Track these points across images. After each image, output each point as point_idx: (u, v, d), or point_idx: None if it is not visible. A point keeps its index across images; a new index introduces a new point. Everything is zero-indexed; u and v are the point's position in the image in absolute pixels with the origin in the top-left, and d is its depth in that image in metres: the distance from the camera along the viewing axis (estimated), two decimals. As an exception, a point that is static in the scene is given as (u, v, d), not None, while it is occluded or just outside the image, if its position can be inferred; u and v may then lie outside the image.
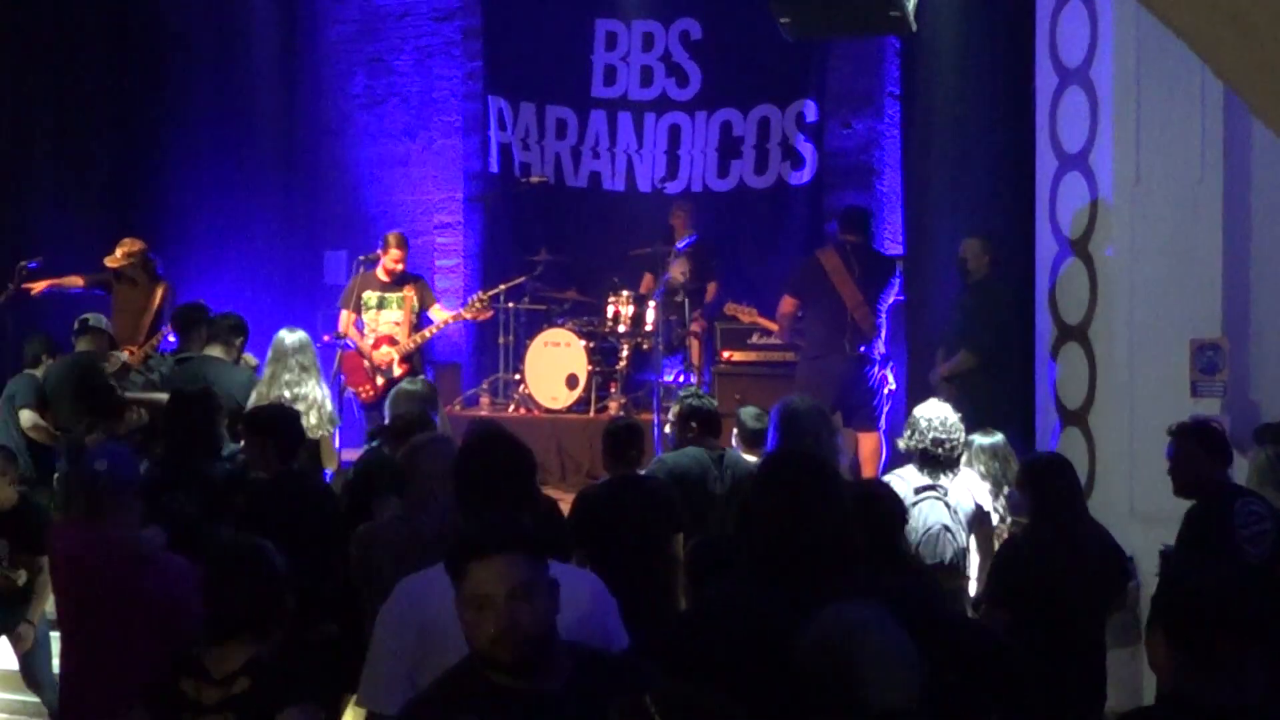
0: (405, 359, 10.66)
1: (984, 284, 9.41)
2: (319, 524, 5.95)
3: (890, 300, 10.38)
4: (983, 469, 6.83)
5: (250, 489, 6.30)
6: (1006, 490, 6.75)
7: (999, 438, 7.10)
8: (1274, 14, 1.40)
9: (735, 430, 7.49)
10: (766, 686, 3.34)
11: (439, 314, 10.94)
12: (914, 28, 8.76)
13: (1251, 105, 1.64)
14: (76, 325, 9.52)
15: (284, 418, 6.56)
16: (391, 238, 10.91)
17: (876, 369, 10.21)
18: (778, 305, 10.53)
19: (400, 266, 10.83)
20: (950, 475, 6.49)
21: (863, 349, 10.07)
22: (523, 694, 3.11)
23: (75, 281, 11.02)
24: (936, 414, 6.62)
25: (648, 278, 12.39)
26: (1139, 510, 7.70)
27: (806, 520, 3.60)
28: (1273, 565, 5.71)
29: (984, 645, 3.69)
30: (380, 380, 10.52)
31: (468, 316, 11.10)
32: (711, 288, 12.24)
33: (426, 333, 10.85)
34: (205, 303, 9.36)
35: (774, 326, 11.09)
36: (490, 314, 11.33)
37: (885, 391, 10.33)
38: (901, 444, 6.80)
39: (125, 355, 9.98)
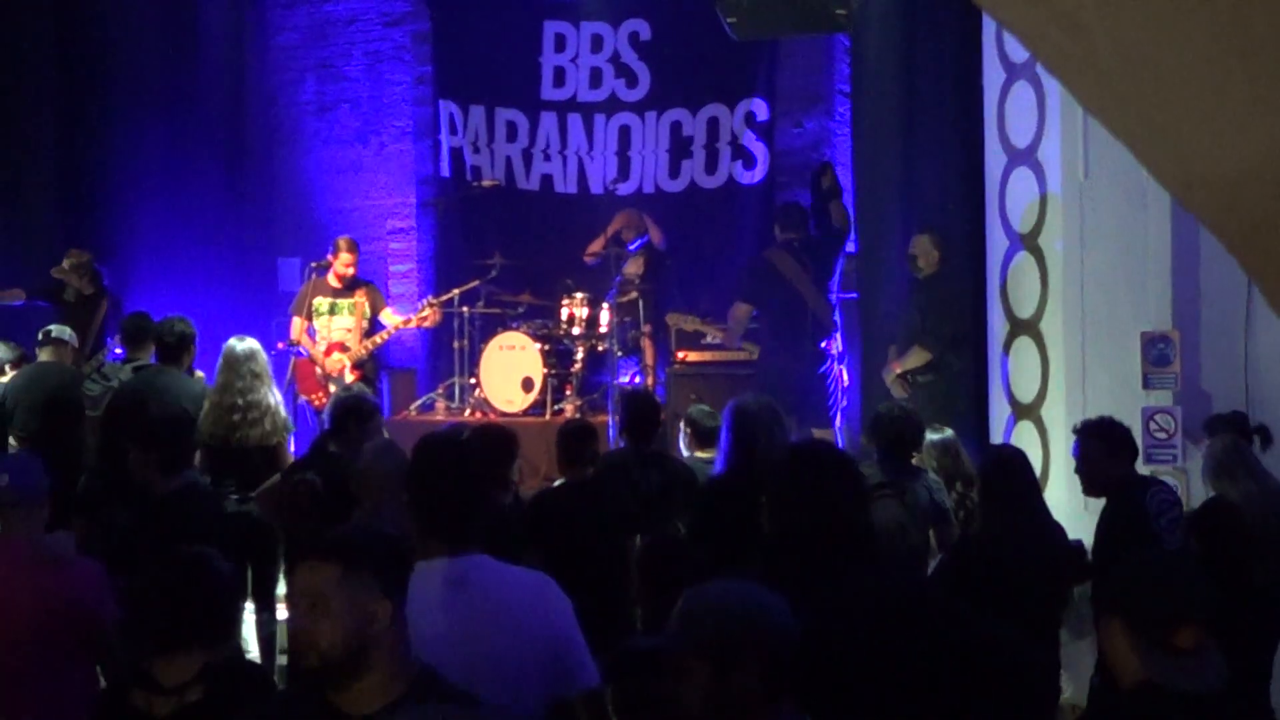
0: (357, 365, 10.63)
1: (935, 279, 9.43)
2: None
3: (838, 273, 10.40)
4: (934, 464, 6.86)
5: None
6: (960, 485, 6.78)
7: (948, 433, 7.13)
8: (1099, 11, 1.38)
9: (688, 430, 7.50)
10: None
11: (390, 318, 10.92)
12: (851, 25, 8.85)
13: (1084, 104, 1.63)
14: (40, 336, 9.47)
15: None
16: (342, 242, 10.88)
17: (833, 365, 10.24)
18: (729, 311, 10.56)
19: (351, 271, 10.81)
20: (911, 473, 6.51)
21: (822, 344, 10.11)
22: (327, 709, 3.07)
23: (17, 294, 10.90)
24: (901, 411, 6.65)
25: (599, 242, 12.37)
26: (1092, 504, 7.73)
27: (834, 511, 3.63)
28: (1187, 547, 5.76)
29: (1002, 647, 3.70)
30: (333, 387, 10.49)
31: (415, 324, 11.11)
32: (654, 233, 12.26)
33: (378, 339, 10.82)
34: (150, 313, 9.32)
35: (720, 333, 11.08)
36: (440, 318, 11.32)
37: (839, 388, 10.36)
38: (865, 440, 6.82)
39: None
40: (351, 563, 3.06)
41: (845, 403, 10.52)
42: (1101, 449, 6.11)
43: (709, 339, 11.53)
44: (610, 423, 10.15)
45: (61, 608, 4.79)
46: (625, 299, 11.82)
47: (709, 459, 7.38)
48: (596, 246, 12.32)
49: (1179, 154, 1.36)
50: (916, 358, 9.31)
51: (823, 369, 10.16)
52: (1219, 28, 1.24)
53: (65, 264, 10.71)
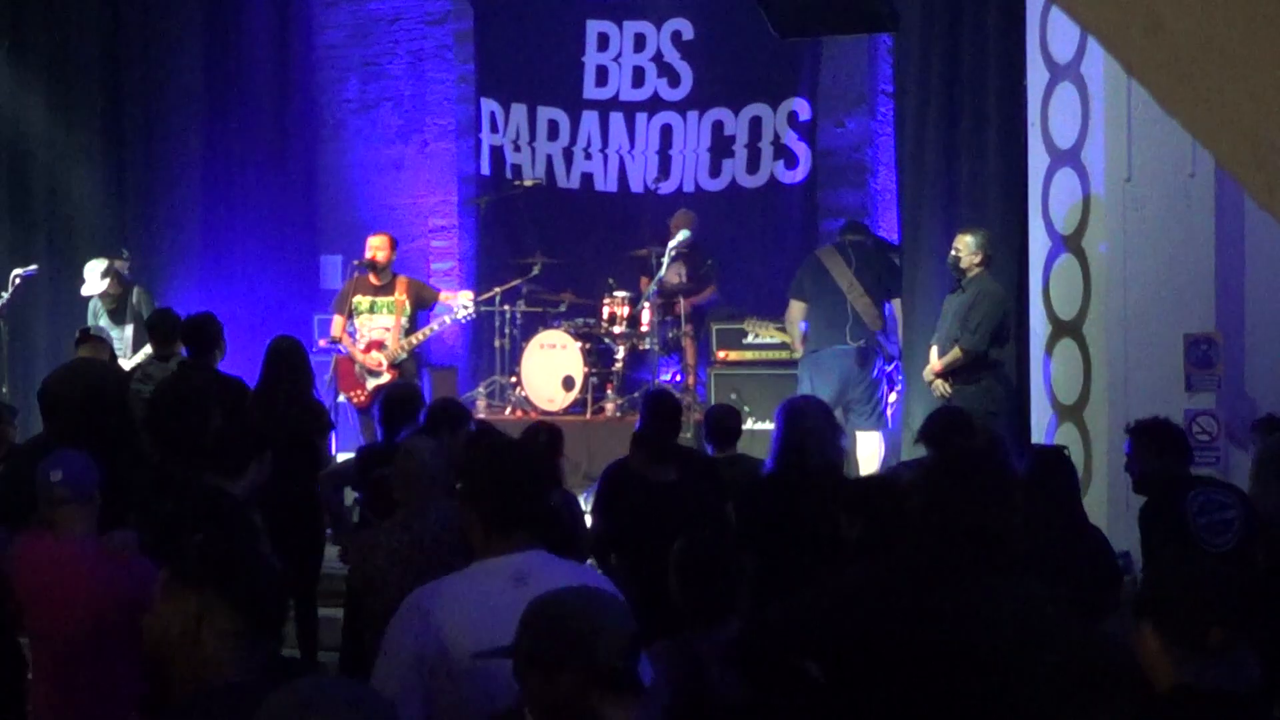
0: (394, 364, 10.66)
1: (977, 280, 9.42)
2: None
3: (895, 297, 10.37)
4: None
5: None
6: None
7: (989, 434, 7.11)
8: (1181, 10, 1.40)
9: (709, 427, 7.52)
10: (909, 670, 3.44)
11: (450, 298, 11.03)
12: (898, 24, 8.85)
13: (1160, 101, 1.64)
14: (78, 335, 9.51)
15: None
16: (372, 235, 10.98)
17: (880, 364, 10.17)
18: (786, 313, 10.55)
19: (378, 256, 10.80)
20: None
21: (864, 342, 10.05)
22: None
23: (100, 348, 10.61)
24: (954, 411, 6.65)
25: (644, 281, 12.37)
26: (1135, 505, 7.70)
27: (988, 514, 3.68)
28: (1244, 551, 5.70)
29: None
30: (371, 384, 10.54)
31: (453, 318, 11.20)
32: (709, 290, 12.24)
33: (416, 338, 10.84)
34: (173, 308, 9.36)
35: (785, 335, 11.01)
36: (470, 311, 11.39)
37: (889, 390, 10.29)
38: (916, 440, 6.81)
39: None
40: (175, 572, 3.13)
41: (894, 407, 10.47)
42: (1148, 447, 6.10)
43: (753, 338, 11.51)
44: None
45: (116, 604, 4.82)
46: (670, 299, 11.85)
47: (727, 457, 7.38)
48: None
49: (1263, 158, 1.37)
50: (956, 358, 9.30)
51: (868, 365, 10.09)
52: None
53: (97, 276, 10.59)
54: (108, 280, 10.60)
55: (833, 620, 3.78)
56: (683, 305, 11.78)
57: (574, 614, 2.99)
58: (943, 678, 3.50)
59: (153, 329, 9.26)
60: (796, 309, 10.39)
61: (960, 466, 3.91)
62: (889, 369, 10.31)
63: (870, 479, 6.21)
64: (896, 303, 10.32)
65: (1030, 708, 3.46)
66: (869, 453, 10.05)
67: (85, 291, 10.70)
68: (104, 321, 10.62)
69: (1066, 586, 5.52)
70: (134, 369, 9.49)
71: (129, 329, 10.51)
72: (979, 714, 3.46)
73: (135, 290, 10.83)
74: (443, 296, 11.38)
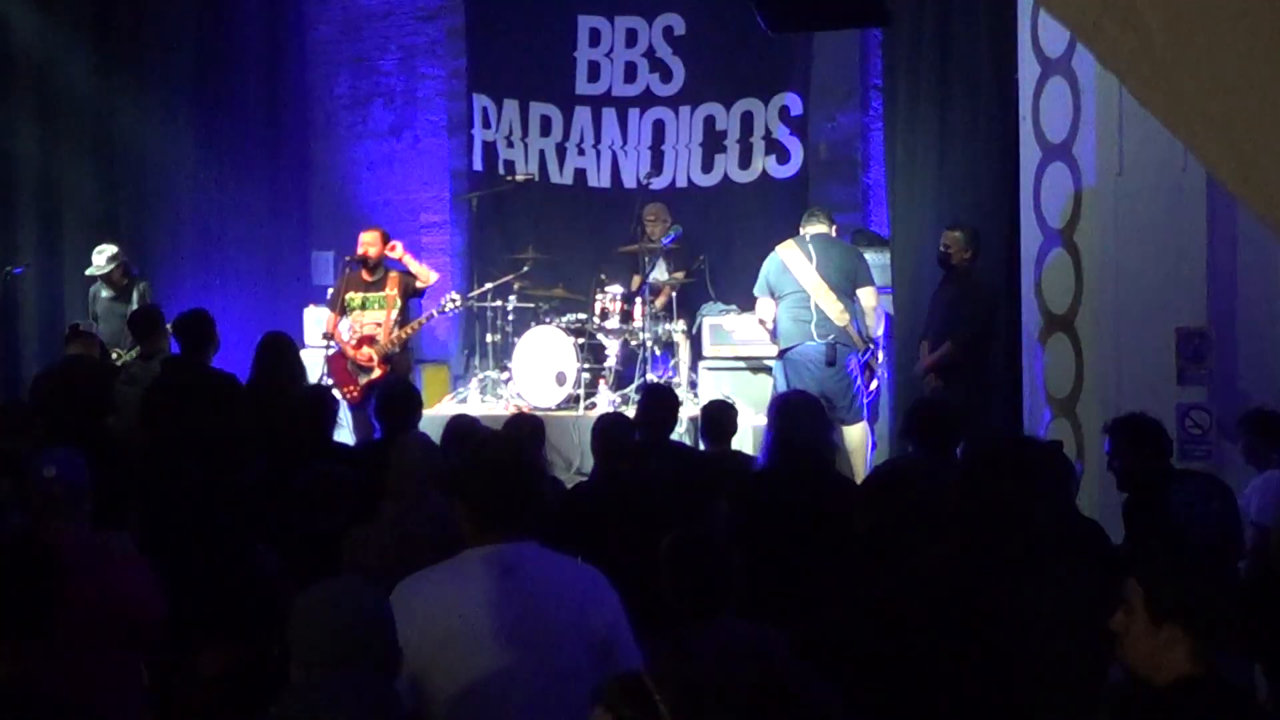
0: (385, 359, 10.64)
1: (967, 275, 9.41)
2: None
3: (863, 286, 10.15)
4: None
5: None
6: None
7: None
8: (1155, 4, 1.40)
9: (704, 423, 7.52)
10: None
11: (424, 272, 10.92)
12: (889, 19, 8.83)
13: (1135, 93, 1.65)
14: (67, 331, 9.46)
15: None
16: (363, 231, 10.95)
17: (853, 358, 10.03)
18: (756, 310, 10.48)
19: (369, 252, 10.78)
20: (949, 466, 6.48)
21: (833, 337, 9.91)
22: None
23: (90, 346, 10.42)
24: (938, 403, 6.63)
25: (635, 279, 12.36)
26: (1128, 500, 7.71)
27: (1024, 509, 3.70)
28: (1228, 544, 5.67)
29: None
30: (363, 380, 10.53)
31: (440, 310, 11.15)
32: (682, 274, 12.24)
33: (406, 332, 10.81)
34: (160, 305, 9.32)
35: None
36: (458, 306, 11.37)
37: (865, 382, 10.18)
38: (900, 435, 6.80)
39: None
40: None
41: (869, 398, 10.36)
42: (1125, 444, 6.07)
43: (741, 335, 11.50)
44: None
45: (112, 602, 4.81)
46: (658, 297, 11.84)
47: (720, 453, 7.38)
48: (631, 249, 12.28)
49: (1234, 148, 1.37)
50: (946, 352, 9.29)
51: (840, 360, 9.95)
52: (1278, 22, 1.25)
53: (103, 260, 10.64)
54: (114, 265, 10.63)
55: (872, 623, 3.77)
56: (672, 299, 11.79)
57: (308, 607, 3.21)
58: (984, 671, 3.50)
59: (135, 326, 9.21)
60: (765, 306, 10.27)
61: (994, 461, 3.92)
62: (864, 358, 10.14)
63: (883, 474, 6.21)
64: (868, 290, 10.14)
65: (1069, 695, 3.47)
66: (854, 446, 9.96)
67: (90, 272, 10.74)
68: (103, 307, 10.63)
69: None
70: (119, 369, 9.45)
71: (132, 308, 10.50)
72: (1019, 704, 3.47)
73: (142, 284, 10.85)
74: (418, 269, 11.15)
